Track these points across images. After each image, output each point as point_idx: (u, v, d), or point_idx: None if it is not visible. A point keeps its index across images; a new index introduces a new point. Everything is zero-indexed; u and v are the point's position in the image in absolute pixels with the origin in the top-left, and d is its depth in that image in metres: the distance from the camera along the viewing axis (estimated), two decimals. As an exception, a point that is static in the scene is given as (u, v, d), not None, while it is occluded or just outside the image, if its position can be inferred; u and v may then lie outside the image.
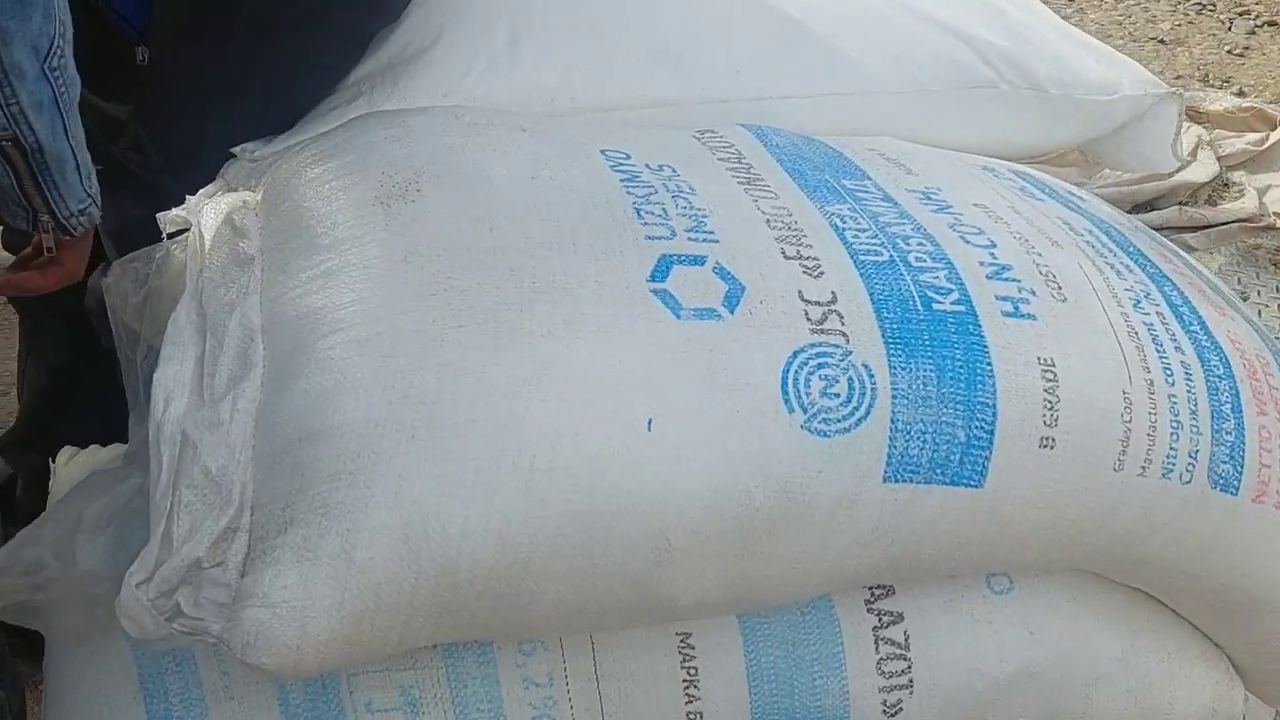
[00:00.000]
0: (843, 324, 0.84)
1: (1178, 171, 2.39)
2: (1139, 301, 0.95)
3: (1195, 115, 2.58)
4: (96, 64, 1.01)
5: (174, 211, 1.00)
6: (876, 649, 0.94)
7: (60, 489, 1.06)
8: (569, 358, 0.78)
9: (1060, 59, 1.23)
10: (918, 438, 0.82)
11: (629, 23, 1.14)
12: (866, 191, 0.99)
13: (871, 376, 0.82)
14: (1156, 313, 0.95)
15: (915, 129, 1.19)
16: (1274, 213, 2.74)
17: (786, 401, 0.80)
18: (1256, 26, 3.96)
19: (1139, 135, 1.30)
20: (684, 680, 0.91)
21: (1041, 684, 0.98)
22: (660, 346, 0.80)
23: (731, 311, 0.83)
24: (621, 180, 0.92)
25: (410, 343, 0.77)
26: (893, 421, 0.82)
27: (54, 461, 1.16)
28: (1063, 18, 1.35)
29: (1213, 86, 3.50)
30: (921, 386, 0.83)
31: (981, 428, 0.84)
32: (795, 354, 0.82)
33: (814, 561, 0.82)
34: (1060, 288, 0.92)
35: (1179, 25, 3.77)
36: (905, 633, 0.94)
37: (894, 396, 0.82)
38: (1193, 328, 0.95)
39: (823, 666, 0.93)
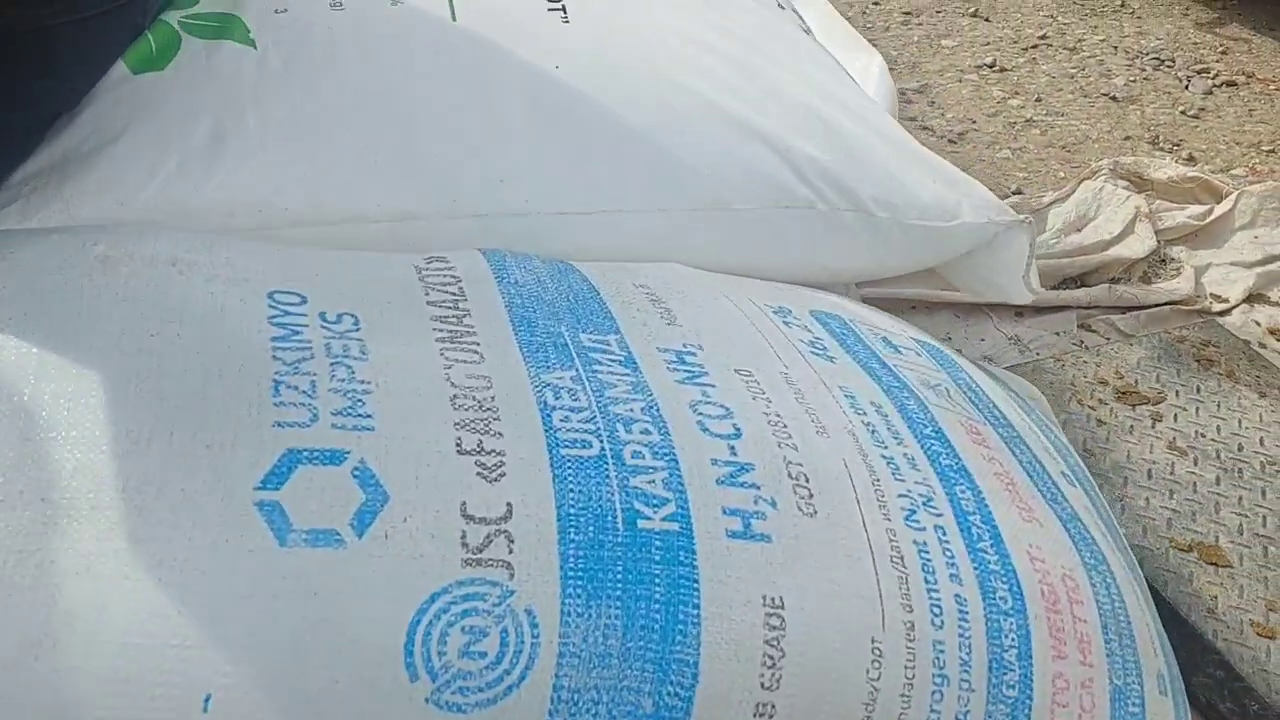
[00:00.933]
0: (510, 551, 0.66)
1: (1112, 245, 2.27)
2: (914, 511, 0.77)
3: (1139, 182, 2.44)
4: None
5: None
6: None
7: None
8: (108, 607, 0.59)
9: (891, 178, 1.06)
10: (588, 710, 0.64)
11: (370, 120, 0.96)
12: (606, 350, 0.81)
13: (534, 626, 0.64)
14: (935, 525, 0.77)
15: (717, 252, 1.02)
16: (1211, 294, 2.59)
17: (410, 666, 0.62)
18: (1215, 86, 3.82)
19: (989, 263, 1.13)
20: None
21: None
22: (245, 588, 0.61)
23: (360, 536, 0.65)
24: (272, 340, 0.74)
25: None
26: (555, 689, 0.64)
27: None
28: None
29: (1161, 150, 3.36)
30: (601, 639, 0.65)
31: (676, 694, 0.66)
32: (434, 597, 0.63)
33: None
34: (811, 495, 0.74)
35: (1133, 81, 3.63)
36: None
37: (561, 654, 0.64)
38: (980, 544, 0.77)
39: None
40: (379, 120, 0.96)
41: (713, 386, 0.80)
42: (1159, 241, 2.28)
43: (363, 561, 0.64)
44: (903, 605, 0.72)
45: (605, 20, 1.08)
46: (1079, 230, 2.19)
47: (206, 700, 0.59)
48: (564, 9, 1.08)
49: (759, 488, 0.73)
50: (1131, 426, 1.42)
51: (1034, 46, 3.96)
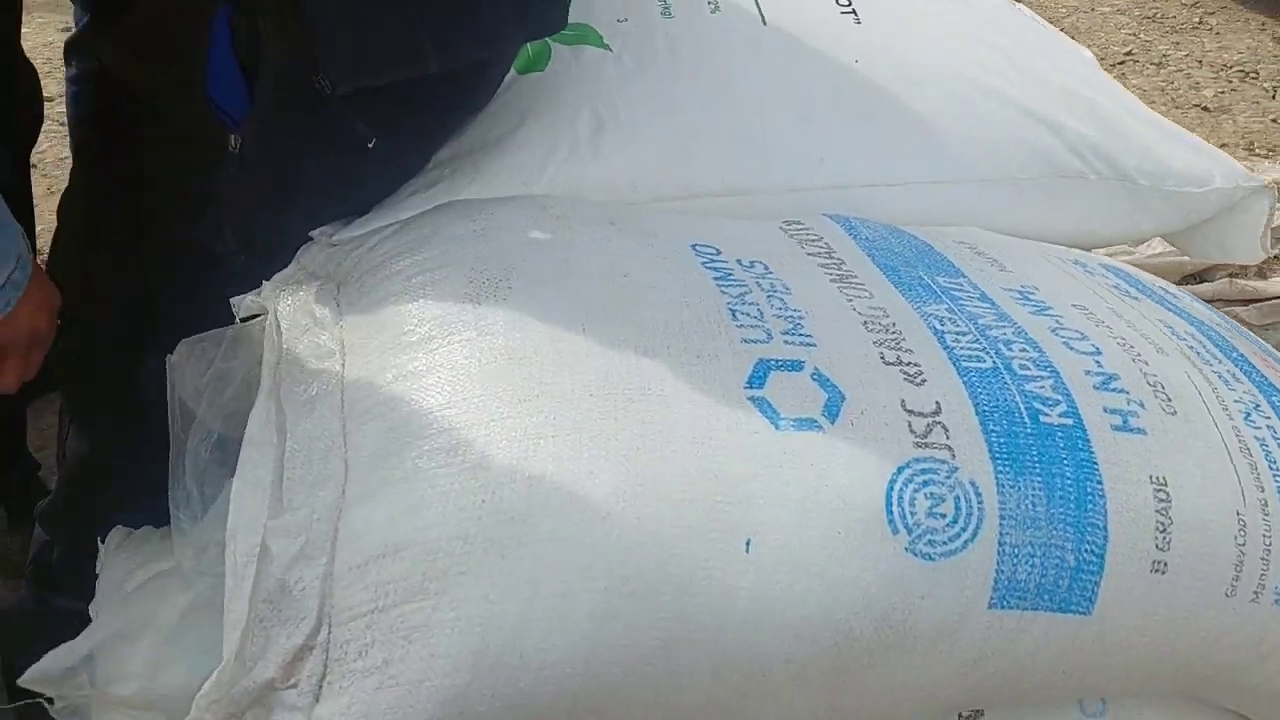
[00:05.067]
0: (948, 437, 0.80)
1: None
2: (1249, 414, 0.90)
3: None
4: (186, 148, 1.01)
5: (249, 296, 0.98)
6: (970, 773, 0.89)
7: (111, 577, 1.04)
8: (663, 472, 0.74)
9: (1149, 150, 1.20)
10: (1026, 561, 0.78)
11: (711, 109, 1.11)
12: (962, 290, 0.96)
13: (979, 495, 0.79)
14: (1268, 425, 0.90)
15: (1002, 219, 1.16)
16: (1325, 285, 2.70)
17: (891, 522, 0.76)
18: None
19: (1227, 226, 1.26)
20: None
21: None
22: (759, 460, 0.76)
23: (832, 422, 0.79)
24: (714, 279, 0.89)
25: (501, 453, 0.74)
26: (1000, 544, 0.78)
27: (102, 542, 1.14)
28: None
29: (1257, 155, 3.46)
30: (1030, 507, 0.79)
31: (1091, 551, 0.80)
32: (900, 470, 0.78)
33: (909, 691, 0.78)
34: (1169, 399, 0.88)
35: (1222, 93, 3.73)
36: (1000, 757, 0.90)
37: (1001, 517, 0.78)
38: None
39: (912, 793, 0.88)
40: (715, 110, 1.11)
41: (1061, 317, 0.94)
42: (1271, 239, 2.39)
43: (841, 442, 0.78)
44: (1255, 486, 0.85)
45: (891, 20, 1.23)
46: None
47: (747, 543, 0.74)
48: (855, 12, 1.23)
49: (1128, 393, 0.87)
50: None
51: (1121, 63, 4.07)
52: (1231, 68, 3.93)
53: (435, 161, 1.06)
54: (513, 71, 1.10)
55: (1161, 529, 0.82)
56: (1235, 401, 0.91)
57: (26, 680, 0.78)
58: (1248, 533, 0.84)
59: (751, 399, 0.80)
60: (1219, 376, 0.93)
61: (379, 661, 0.69)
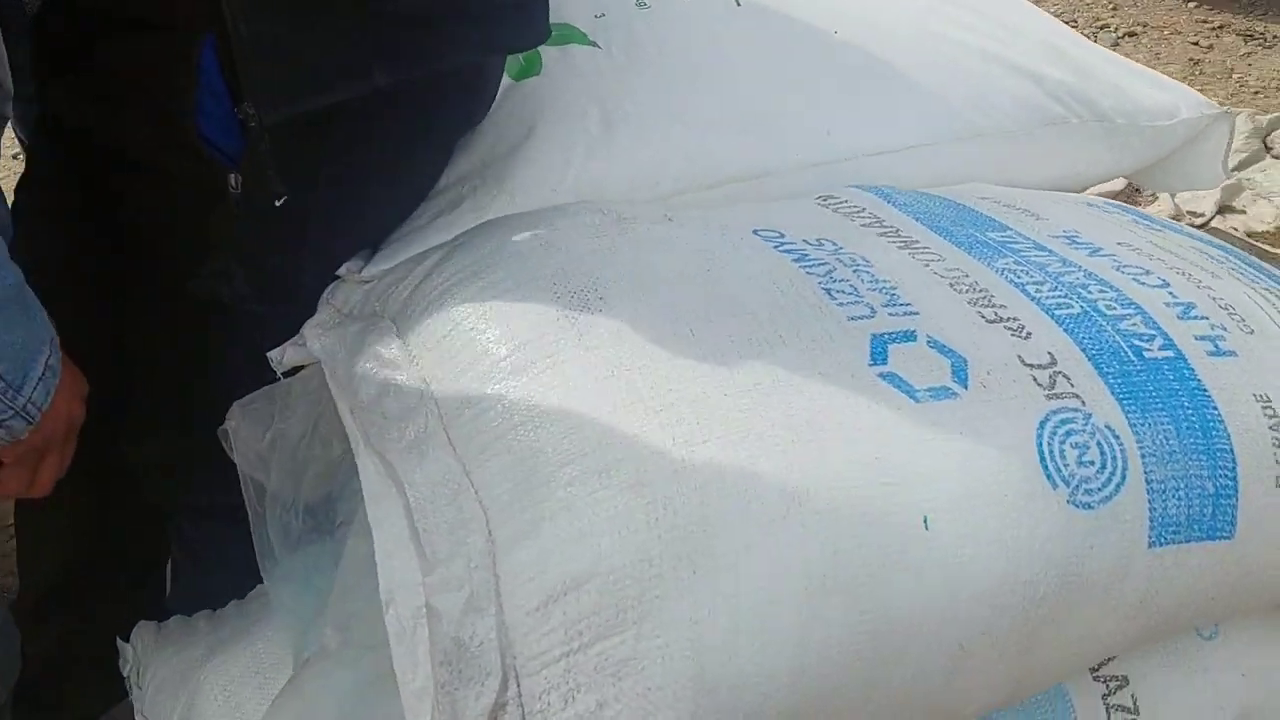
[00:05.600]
0: (1072, 385, 0.80)
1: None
2: (1308, 326, 0.93)
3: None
4: (173, 195, 0.92)
5: (288, 347, 0.91)
6: (1109, 717, 0.89)
7: (153, 673, 0.95)
8: (825, 462, 0.71)
9: (1121, 90, 1.23)
10: (1173, 496, 0.78)
11: (714, 94, 1.09)
12: (1015, 242, 0.96)
13: (1116, 437, 0.78)
14: (1324, 335, 0.93)
15: (1000, 171, 1.17)
16: (1188, 211, 2.88)
17: (1049, 477, 0.75)
18: (1119, 38, 4.14)
19: (1189, 155, 1.31)
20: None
21: (1258, 724, 0.95)
22: (909, 436, 0.74)
23: (965, 387, 0.78)
24: (794, 261, 0.87)
25: (657, 466, 0.70)
26: (1148, 483, 0.78)
27: (127, 642, 1.05)
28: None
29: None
30: (1164, 441, 0.79)
31: (1225, 475, 0.80)
32: (1042, 424, 0.77)
33: (1088, 643, 0.78)
34: (1243, 320, 0.90)
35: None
36: (1133, 696, 0.90)
37: (1142, 455, 0.78)
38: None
39: (1060, 744, 0.88)
40: (719, 95, 1.09)
41: (1115, 256, 0.95)
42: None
43: (979, 404, 0.77)
44: (1339, 392, 0.88)
45: (859, -12, 1.23)
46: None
47: (925, 521, 0.71)
48: (822, -18, 1.23)
49: (1208, 318, 0.88)
50: None
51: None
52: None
53: (449, 180, 1.00)
54: (508, 79, 1.05)
55: (1276, 444, 0.83)
56: (1293, 314, 0.94)
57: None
58: (1345, 437, 0.86)
59: (881, 375, 0.77)
60: (1269, 291, 0.96)
61: (592, 705, 0.64)
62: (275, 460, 0.84)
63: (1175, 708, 0.91)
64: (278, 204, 0.87)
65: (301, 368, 0.91)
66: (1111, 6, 4.65)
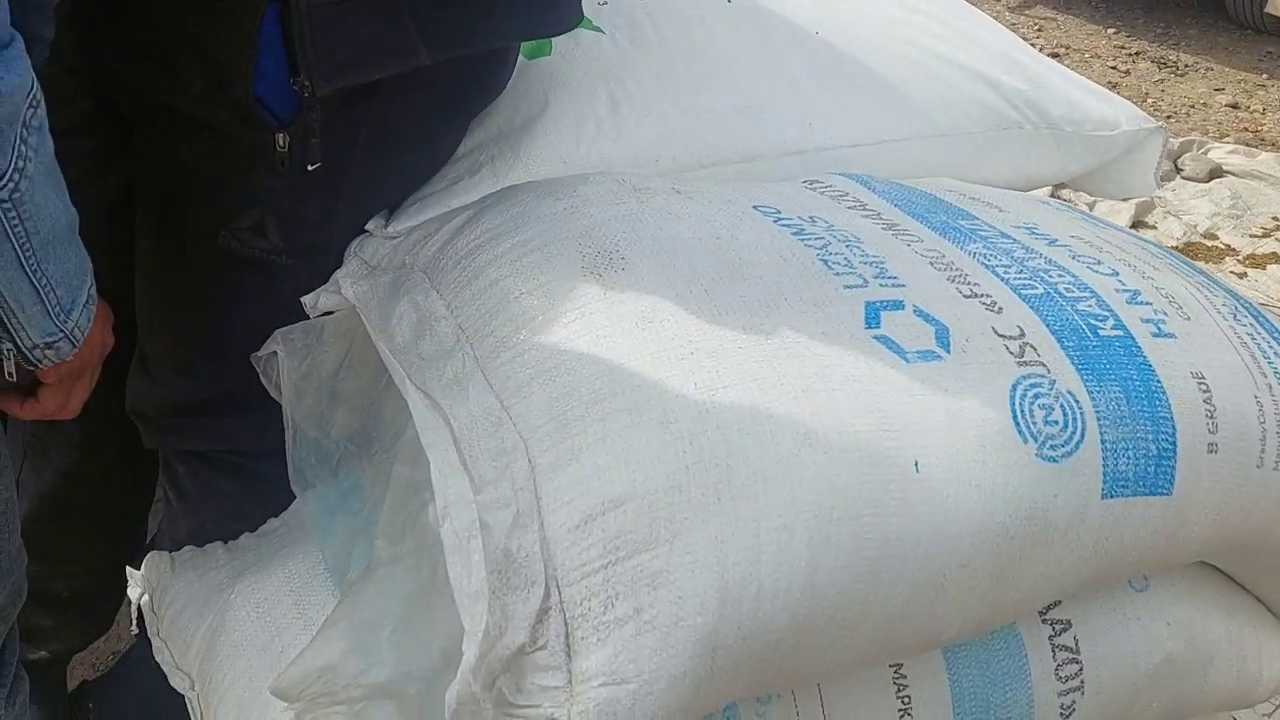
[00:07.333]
0: (1038, 355, 0.90)
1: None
2: (1234, 314, 1.05)
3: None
4: (219, 149, 0.98)
5: (321, 293, 0.97)
6: (1054, 656, 1.00)
7: (172, 598, 1.00)
8: (831, 410, 0.81)
9: (1071, 101, 1.35)
10: (1124, 454, 0.89)
11: (710, 81, 1.17)
12: (983, 230, 1.06)
13: (1076, 402, 0.89)
14: (1249, 324, 1.05)
15: (961, 169, 1.28)
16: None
17: (1020, 433, 0.85)
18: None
19: (1125, 165, 1.44)
20: (899, 710, 0.94)
21: (1176, 669, 1.06)
22: (903, 391, 0.84)
23: (948, 351, 0.88)
24: (793, 234, 0.96)
25: (682, 407, 0.78)
26: (1103, 443, 0.88)
27: (137, 569, 1.10)
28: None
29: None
30: (1116, 407, 0.90)
31: (1166, 439, 0.91)
32: (1014, 386, 0.87)
33: (1048, 581, 0.88)
34: (1180, 308, 1.01)
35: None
36: (1075, 638, 1.01)
37: (1098, 417, 0.89)
38: (1274, 330, 1.06)
39: (1011, 679, 0.98)
40: (714, 82, 1.18)
41: (1070, 247, 1.06)
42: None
43: (960, 367, 0.87)
44: (1260, 374, 1.00)
45: (832, -4, 1.33)
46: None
47: (916, 465, 0.81)
48: (801, -13, 1.32)
49: (1151, 304, 1.00)
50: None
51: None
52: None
53: (468, 148, 1.07)
54: (522, 59, 1.13)
55: (1209, 415, 0.95)
56: (1222, 305, 1.06)
57: (281, 686, 0.74)
58: (1264, 412, 0.98)
59: (876, 338, 0.87)
60: (1200, 286, 1.08)
61: (630, 610, 0.72)
62: (309, 389, 0.90)
63: (1110, 650, 1.02)
64: (315, 166, 0.94)
65: (329, 314, 0.97)
66: (1037, 29, 4.85)
